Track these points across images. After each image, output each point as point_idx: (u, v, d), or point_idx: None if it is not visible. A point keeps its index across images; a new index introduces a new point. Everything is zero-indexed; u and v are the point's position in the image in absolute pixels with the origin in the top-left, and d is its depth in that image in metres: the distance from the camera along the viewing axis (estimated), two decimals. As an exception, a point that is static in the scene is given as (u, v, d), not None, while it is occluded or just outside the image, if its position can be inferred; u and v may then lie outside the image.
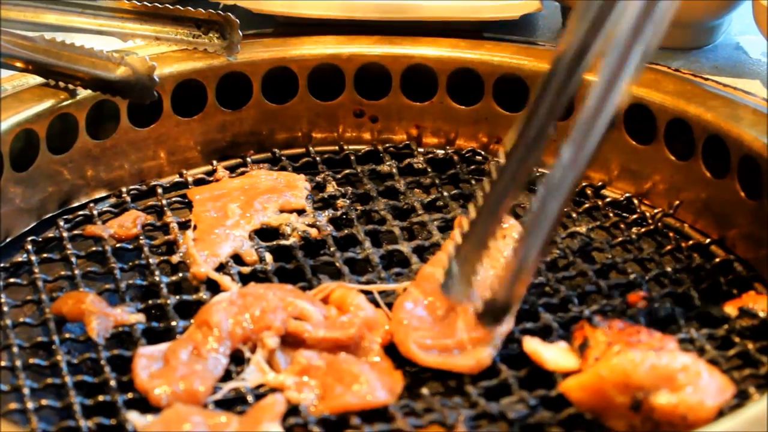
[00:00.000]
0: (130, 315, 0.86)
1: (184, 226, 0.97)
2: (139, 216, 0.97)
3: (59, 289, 0.91)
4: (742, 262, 0.93)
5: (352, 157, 1.07)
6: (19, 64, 0.98)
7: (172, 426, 0.75)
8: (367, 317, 0.85)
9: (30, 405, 0.79)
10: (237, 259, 0.93)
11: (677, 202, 0.99)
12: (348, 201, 1.00)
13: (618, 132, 1.02)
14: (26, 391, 0.80)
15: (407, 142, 1.09)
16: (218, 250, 0.92)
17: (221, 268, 0.91)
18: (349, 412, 0.78)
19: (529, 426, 0.77)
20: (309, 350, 0.82)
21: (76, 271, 0.91)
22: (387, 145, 1.09)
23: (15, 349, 0.83)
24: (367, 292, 0.88)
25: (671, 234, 0.97)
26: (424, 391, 0.81)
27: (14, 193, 0.97)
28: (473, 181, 1.04)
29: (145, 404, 0.78)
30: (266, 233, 0.96)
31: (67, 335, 0.85)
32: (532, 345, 0.82)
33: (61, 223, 0.97)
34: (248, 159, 1.07)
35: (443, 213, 0.99)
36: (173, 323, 0.86)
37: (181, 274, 0.91)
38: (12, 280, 0.91)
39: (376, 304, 0.87)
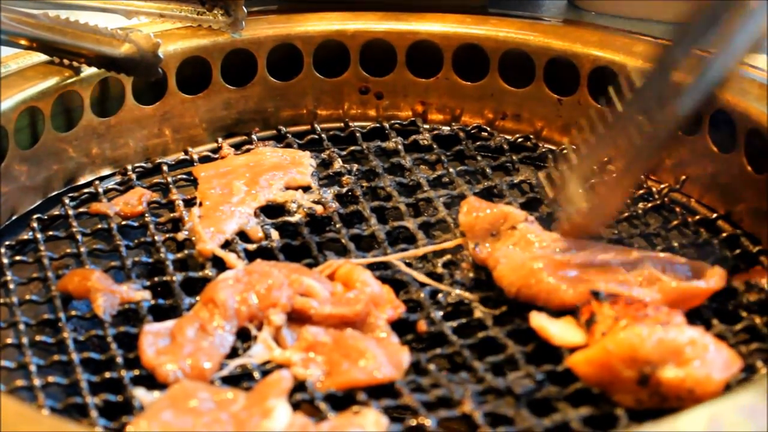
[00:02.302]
0: (136, 292, 0.86)
1: (189, 203, 0.96)
2: (144, 193, 0.97)
3: (65, 266, 0.90)
4: (749, 237, 0.93)
5: (358, 134, 1.06)
6: (23, 42, 0.98)
7: (179, 402, 0.74)
8: (374, 293, 0.85)
9: (37, 382, 0.79)
10: (243, 236, 0.93)
11: (684, 177, 0.99)
12: (353, 177, 1.00)
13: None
14: (33, 368, 0.80)
15: (413, 119, 1.09)
16: (224, 227, 0.92)
17: (227, 245, 0.91)
18: (355, 388, 0.78)
19: (536, 401, 0.76)
20: (315, 327, 0.82)
21: (82, 249, 0.91)
22: (392, 121, 1.08)
23: (21, 327, 0.83)
24: (372, 269, 0.87)
25: (678, 209, 0.97)
26: (431, 366, 0.81)
27: (19, 171, 0.97)
28: (479, 157, 1.04)
29: (151, 381, 0.78)
30: (272, 210, 0.96)
31: (73, 312, 0.85)
32: (539, 320, 0.82)
33: (67, 201, 0.97)
34: (253, 136, 1.07)
35: (449, 189, 0.99)
36: (179, 300, 0.86)
37: (186, 251, 0.91)
38: (18, 257, 0.91)
39: (382, 281, 0.87)
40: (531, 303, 0.84)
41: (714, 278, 0.84)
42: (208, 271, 0.89)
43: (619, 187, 0.85)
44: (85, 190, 0.99)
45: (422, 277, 0.88)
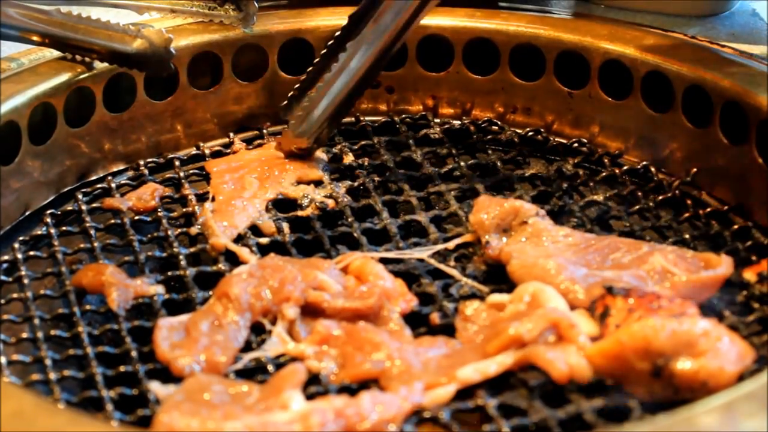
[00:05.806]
0: (150, 286, 0.87)
1: (201, 198, 0.97)
2: (157, 188, 0.98)
3: (79, 261, 0.91)
4: (760, 229, 0.93)
5: (369, 128, 1.07)
6: (35, 38, 0.98)
7: (194, 395, 0.75)
8: (386, 287, 0.85)
9: (52, 376, 0.79)
10: (255, 230, 0.93)
11: (695, 170, 0.99)
12: (365, 172, 1.00)
13: (635, 100, 1.02)
14: (48, 362, 0.80)
15: (423, 113, 1.09)
16: (236, 221, 0.93)
17: (240, 239, 0.92)
18: (369, 381, 0.78)
19: (549, 392, 0.76)
20: (328, 320, 0.82)
21: (96, 244, 0.92)
22: (403, 115, 1.09)
23: (36, 321, 0.84)
24: (385, 262, 0.88)
25: (689, 201, 0.97)
26: (444, 359, 0.81)
27: (33, 167, 0.97)
28: (490, 151, 1.04)
29: (166, 374, 0.79)
30: (284, 204, 0.96)
31: (87, 307, 0.86)
32: (552, 312, 0.82)
33: (80, 197, 0.97)
34: (265, 131, 1.07)
35: (460, 183, 0.99)
36: (192, 294, 0.86)
37: (199, 246, 0.91)
38: (32, 253, 0.91)
39: (395, 274, 0.87)
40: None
41: (722, 266, 0.84)
42: (221, 266, 0.89)
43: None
44: (98, 186, 1.00)
45: (452, 271, 0.88)
